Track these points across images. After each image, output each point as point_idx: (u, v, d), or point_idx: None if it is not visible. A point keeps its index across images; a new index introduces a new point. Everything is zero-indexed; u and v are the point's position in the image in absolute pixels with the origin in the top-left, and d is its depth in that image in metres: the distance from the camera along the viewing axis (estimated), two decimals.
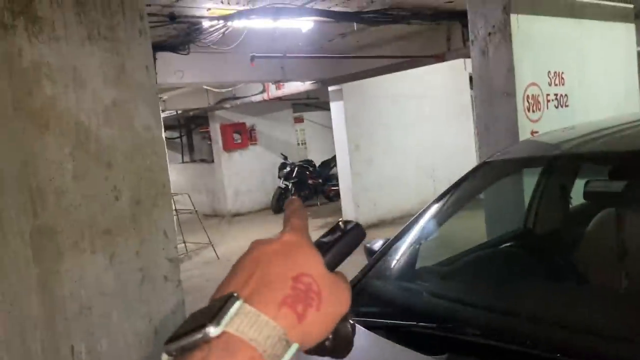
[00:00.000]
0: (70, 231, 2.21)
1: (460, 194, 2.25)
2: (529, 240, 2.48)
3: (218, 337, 0.41)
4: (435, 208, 2.16)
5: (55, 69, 2.18)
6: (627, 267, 1.75)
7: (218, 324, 0.41)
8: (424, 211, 2.16)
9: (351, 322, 0.51)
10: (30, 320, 2.12)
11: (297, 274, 0.46)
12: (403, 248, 2.07)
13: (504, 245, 2.46)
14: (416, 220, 2.13)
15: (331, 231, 0.54)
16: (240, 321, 0.42)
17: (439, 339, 1.49)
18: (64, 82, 2.19)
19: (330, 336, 0.48)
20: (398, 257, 2.07)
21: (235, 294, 0.43)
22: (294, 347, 0.43)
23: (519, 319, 1.52)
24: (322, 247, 0.51)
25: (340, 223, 0.55)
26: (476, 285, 1.96)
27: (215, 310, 0.42)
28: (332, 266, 0.50)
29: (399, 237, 2.09)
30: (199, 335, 0.41)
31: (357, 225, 0.54)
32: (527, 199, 2.65)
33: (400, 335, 1.56)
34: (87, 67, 2.25)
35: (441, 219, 2.17)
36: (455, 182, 2.24)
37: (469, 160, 7.92)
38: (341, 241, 0.52)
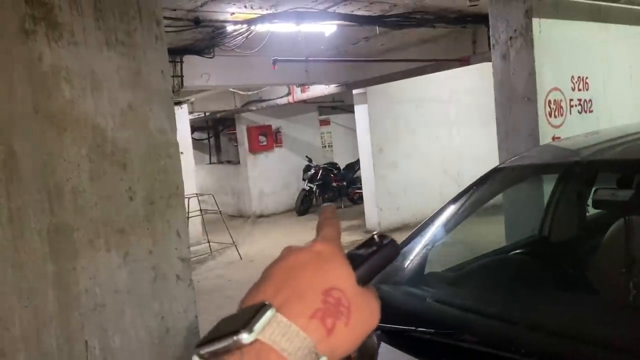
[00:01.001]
0: (85, 230, 2.29)
1: (470, 201, 2.23)
2: (541, 248, 2.43)
3: (250, 344, 0.41)
4: (444, 214, 2.15)
5: (73, 73, 2.25)
6: (635, 277, 1.72)
7: (251, 331, 0.41)
8: (434, 216, 2.15)
9: (376, 335, 0.51)
10: (46, 315, 2.20)
11: (328, 288, 0.46)
12: (412, 253, 2.07)
13: (515, 252, 2.43)
14: (425, 225, 2.12)
15: (365, 244, 0.52)
16: (272, 330, 0.42)
17: (437, 345, 1.49)
18: (82, 86, 2.27)
19: (356, 350, 0.48)
20: (406, 262, 2.07)
21: (267, 303, 0.44)
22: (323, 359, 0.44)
23: (519, 327, 1.50)
24: (354, 259, 0.49)
25: (375, 237, 0.53)
26: (481, 292, 1.94)
27: (248, 317, 0.42)
28: (363, 281, 0.48)
29: (407, 241, 2.09)
30: (231, 341, 0.41)
31: (393, 241, 0.52)
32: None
33: (399, 340, 1.56)
34: (105, 71, 2.32)
35: (450, 225, 2.15)
36: (465, 189, 2.23)
37: (495, 165, 7.80)
38: (375, 256, 0.50)
